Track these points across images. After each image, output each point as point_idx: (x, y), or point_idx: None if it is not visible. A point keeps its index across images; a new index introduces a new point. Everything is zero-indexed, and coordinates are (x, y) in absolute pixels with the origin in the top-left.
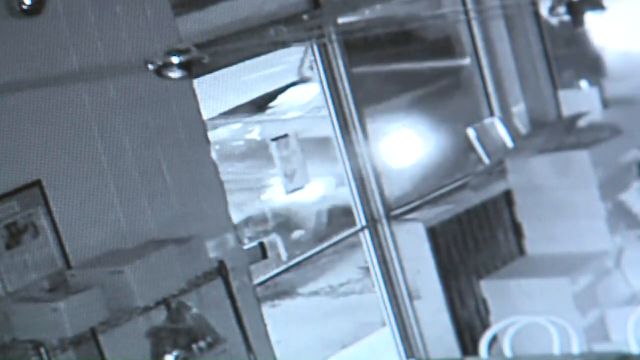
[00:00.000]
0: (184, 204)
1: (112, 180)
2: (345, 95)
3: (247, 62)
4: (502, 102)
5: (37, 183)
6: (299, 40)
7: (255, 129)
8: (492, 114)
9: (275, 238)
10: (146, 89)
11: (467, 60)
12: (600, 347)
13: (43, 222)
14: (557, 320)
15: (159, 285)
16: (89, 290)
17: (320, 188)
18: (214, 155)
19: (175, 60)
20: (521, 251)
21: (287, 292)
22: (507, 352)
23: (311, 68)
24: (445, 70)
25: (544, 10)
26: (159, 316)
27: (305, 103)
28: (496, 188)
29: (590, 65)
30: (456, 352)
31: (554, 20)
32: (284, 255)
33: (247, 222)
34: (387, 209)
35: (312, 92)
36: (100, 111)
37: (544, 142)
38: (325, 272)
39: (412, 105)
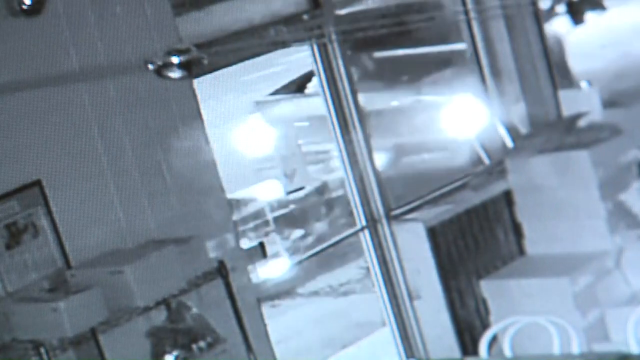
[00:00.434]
0: (184, 204)
1: (112, 180)
2: (346, 96)
3: (247, 62)
4: (502, 102)
5: (37, 183)
6: (299, 40)
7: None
8: (492, 114)
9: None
10: (146, 89)
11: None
12: (600, 347)
13: (43, 222)
14: (557, 320)
15: (159, 285)
16: (89, 290)
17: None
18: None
19: (175, 60)
20: (521, 251)
21: (287, 292)
22: (507, 352)
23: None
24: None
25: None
26: (159, 316)
27: None
28: (496, 188)
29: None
30: (456, 352)
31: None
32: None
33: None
34: (387, 209)
35: None
36: (100, 111)
37: (544, 142)
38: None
39: None
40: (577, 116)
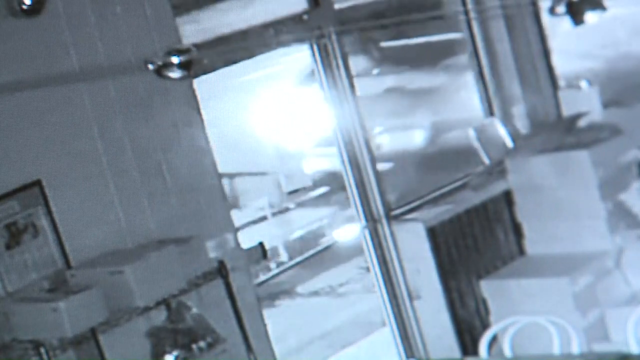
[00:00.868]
0: (184, 204)
1: (112, 180)
2: (346, 96)
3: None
4: (502, 102)
5: (37, 183)
6: (299, 40)
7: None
8: (492, 114)
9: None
10: (146, 89)
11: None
12: (600, 347)
13: (43, 222)
14: (557, 320)
15: (159, 285)
16: (89, 290)
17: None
18: None
19: (175, 60)
20: (521, 251)
21: (287, 292)
22: (507, 352)
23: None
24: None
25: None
26: (159, 316)
27: None
28: (496, 188)
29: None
30: (456, 352)
31: None
32: (283, 255)
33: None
34: (387, 209)
35: None
36: (100, 111)
37: (544, 142)
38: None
39: None
40: (577, 116)
